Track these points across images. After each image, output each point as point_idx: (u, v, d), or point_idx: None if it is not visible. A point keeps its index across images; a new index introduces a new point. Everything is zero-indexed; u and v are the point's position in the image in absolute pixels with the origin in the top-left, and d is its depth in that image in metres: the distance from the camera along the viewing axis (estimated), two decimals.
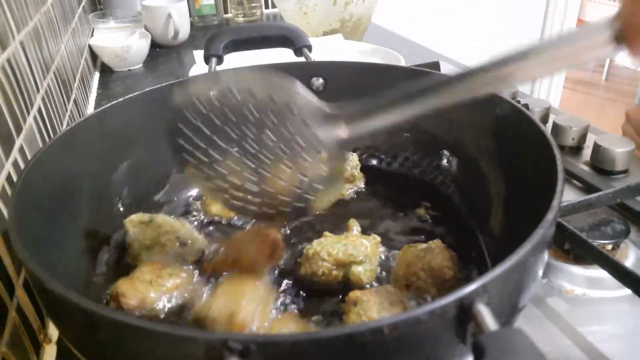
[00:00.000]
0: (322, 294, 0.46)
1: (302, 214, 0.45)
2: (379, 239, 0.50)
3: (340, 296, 0.44)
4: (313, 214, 0.44)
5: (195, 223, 0.57)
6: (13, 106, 0.51)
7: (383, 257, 0.49)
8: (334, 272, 0.46)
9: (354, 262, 0.46)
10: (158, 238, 0.49)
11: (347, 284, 0.46)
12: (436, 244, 0.47)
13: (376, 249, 0.49)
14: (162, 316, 0.43)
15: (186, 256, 0.49)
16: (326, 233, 0.50)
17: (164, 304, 0.44)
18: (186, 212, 0.58)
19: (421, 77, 0.38)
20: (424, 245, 0.47)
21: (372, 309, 0.40)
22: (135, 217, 0.51)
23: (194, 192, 0.62)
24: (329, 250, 0.46)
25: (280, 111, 0.40)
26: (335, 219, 0.54)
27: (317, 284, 0.46)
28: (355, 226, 0.52)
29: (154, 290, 0.44)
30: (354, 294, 0.41)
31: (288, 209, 0.43)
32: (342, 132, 0.40)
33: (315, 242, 0.48)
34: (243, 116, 0.41)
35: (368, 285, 0.46)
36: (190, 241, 0.50)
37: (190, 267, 0.48)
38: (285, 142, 0.41)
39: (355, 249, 0.46)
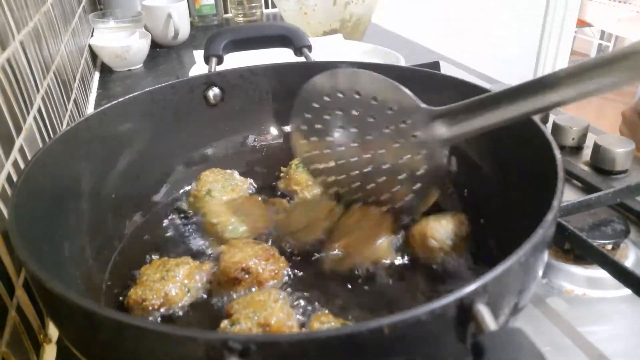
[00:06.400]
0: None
1: (405, 212, 0.48)
2: None
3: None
4: (415, 214, 0.49)
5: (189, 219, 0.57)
6: (13, 106, 0.51)
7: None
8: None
9: None
10: None
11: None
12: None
13: None
14: (188, 305, 0.44)
15: None
16: None
17: (185, 292, 0.44)
18: (183, 211, 0.58)
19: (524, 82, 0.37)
20: None
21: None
22: None
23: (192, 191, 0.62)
24: None
25: (380, 108, 0.44)
26: None
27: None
28: None
29: (171, 283, 0.43)
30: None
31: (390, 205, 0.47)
32: (443, 131, 0.41)
33: None
34: (348, 110, 0.46)
35: None
36: None
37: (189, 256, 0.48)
38: (383, 138, 0.44)
39: None
